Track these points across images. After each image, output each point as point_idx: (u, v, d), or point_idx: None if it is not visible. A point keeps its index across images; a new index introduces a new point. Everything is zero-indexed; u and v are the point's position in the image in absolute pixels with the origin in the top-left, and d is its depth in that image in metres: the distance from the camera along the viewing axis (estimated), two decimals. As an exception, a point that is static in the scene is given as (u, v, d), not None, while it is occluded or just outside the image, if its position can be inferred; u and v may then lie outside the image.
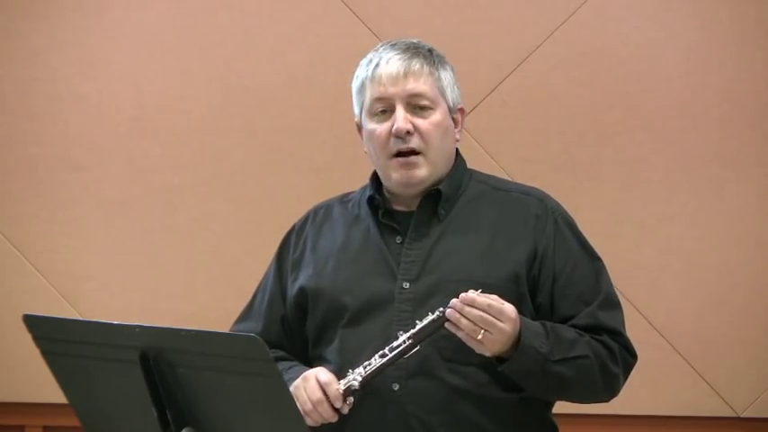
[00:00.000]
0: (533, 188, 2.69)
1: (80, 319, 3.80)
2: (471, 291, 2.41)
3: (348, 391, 2.44)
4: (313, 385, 2.46)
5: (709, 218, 4.02)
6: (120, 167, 4.19)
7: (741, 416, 4.07)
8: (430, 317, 2.43)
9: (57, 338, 2.24)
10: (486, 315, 2.39)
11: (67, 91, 4.19)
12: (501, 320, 2.40)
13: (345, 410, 2.45)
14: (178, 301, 4.16)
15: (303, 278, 2.67)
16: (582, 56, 4.04)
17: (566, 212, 2.65)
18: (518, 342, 2.43)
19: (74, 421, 2.32)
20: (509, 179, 2.77)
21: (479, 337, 2.39)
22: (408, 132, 2.55)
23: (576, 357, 2.49)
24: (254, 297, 2.79)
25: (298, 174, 4.12)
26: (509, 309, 2.42)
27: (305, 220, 2.77)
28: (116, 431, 2.28)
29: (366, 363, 2.44)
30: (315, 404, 2.44)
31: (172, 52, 4.16)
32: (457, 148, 2.68)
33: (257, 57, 4.13)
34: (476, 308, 2.38)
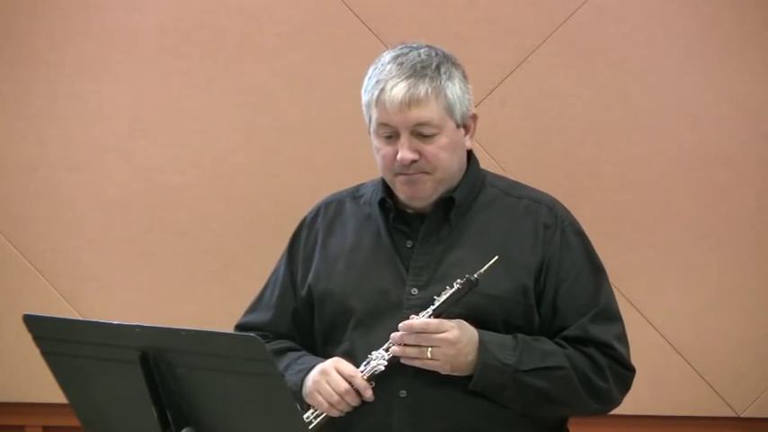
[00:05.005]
0: (544, 195, 2.67)
1: (80, 319, 3.80)
2: (413, 316, 2.46)
3: (372, 377, 2.48)
4: (336, 377, 2.49)
5: (709, 218, 4.02)
6: (120, 167, 4.19)
7: (741, 416, 4.07)
8: (447, 291, 2.46)
9: (57, 338, 2.24)
10: (425, 334, 2.43)
11: (67, 91, 4.19)
12: (442, 331, 2.44)
13: (372, 397, 2.48)
14: (178, 301, 4.16)
15: (313, 277, 2.66)
16: (582, 56, 4.04)
17: (575, 221, 2.64)
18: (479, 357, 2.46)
19: (74, 421, 2.32)
20: (520, 182, 2.74)
21: (429, 355, 2.43)
22: (413, 161, 2.52)
23: (550, 368, 2.48)
24: (264, 289, 2.78)
25: (298, 174, 4.12)
26: (450, 321, 2.45)
27: (316, 214, 2.74)
28: (116, 431, 2.28)
29: (387, 345, 2.47)
30: (342, 395, 2.47)
31: (172, 52, 4.16)
32: (471, 152, 2.66)
33: (257, 57, 4.13)
34: (415, 332, 2.43)
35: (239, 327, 2.79)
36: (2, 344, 4.17)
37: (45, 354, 2.27)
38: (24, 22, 4.19)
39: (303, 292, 2.67)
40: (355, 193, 2.72)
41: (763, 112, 4.01)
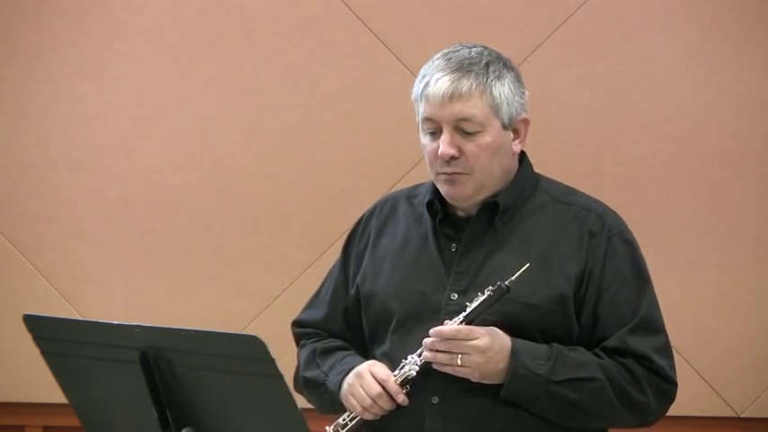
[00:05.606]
0: (596, 202, 2.64)
1: (80, 319, 3.80)
2: (447, 321, 2.44)
3: (405, 382, 2.47)
4: (369, 381, 2.49)
5: (709, 218, 4.02)
6: (120, 167, 4.19)
7: (741, 416, 4.07)
8: (478, 298, 2.44)
9: (57, 338, 2.25)
10: (456, 340, 2.42)
11: (67, 91, 4.19)
12: (473, 338, 2.42)
13: (405, 401, 2.47)
14: (178, 301, 4.16)
15: (360, 276, 2.65)
16: (582, 56, 4.04)
17: (625, 230, 2.60)
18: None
19: (74, 421, 2.32)
20: (575, 189, 2.69)
21: (459, 362, 2.42)
22: (453, 157, 2.49)
23: (583, 379, 2.46)
24: (322, 286, 2.76)
25: (298, 174, 4.12)
26: (481, 329, 2.43)
27: (372, 212, 2.72)
28: (116, 431, 2.28)
29: (420, 350, 2.45)
30: (375, 398, 2.47)
31: (172, 52, 4.16)
32: (525, 155, 2.62)
33: (257, 57, 4.13)
34: (445, 338, 2.42)
35: (295, 323, 2.78)
36: (2, 344, 4.18)
37: (45, 354, 2.27)
38: (24, 22, 4.19)
39: (352, 291, 2.66)
40: (411, 193, 2.70)
41: (763, 112, 4.01)
